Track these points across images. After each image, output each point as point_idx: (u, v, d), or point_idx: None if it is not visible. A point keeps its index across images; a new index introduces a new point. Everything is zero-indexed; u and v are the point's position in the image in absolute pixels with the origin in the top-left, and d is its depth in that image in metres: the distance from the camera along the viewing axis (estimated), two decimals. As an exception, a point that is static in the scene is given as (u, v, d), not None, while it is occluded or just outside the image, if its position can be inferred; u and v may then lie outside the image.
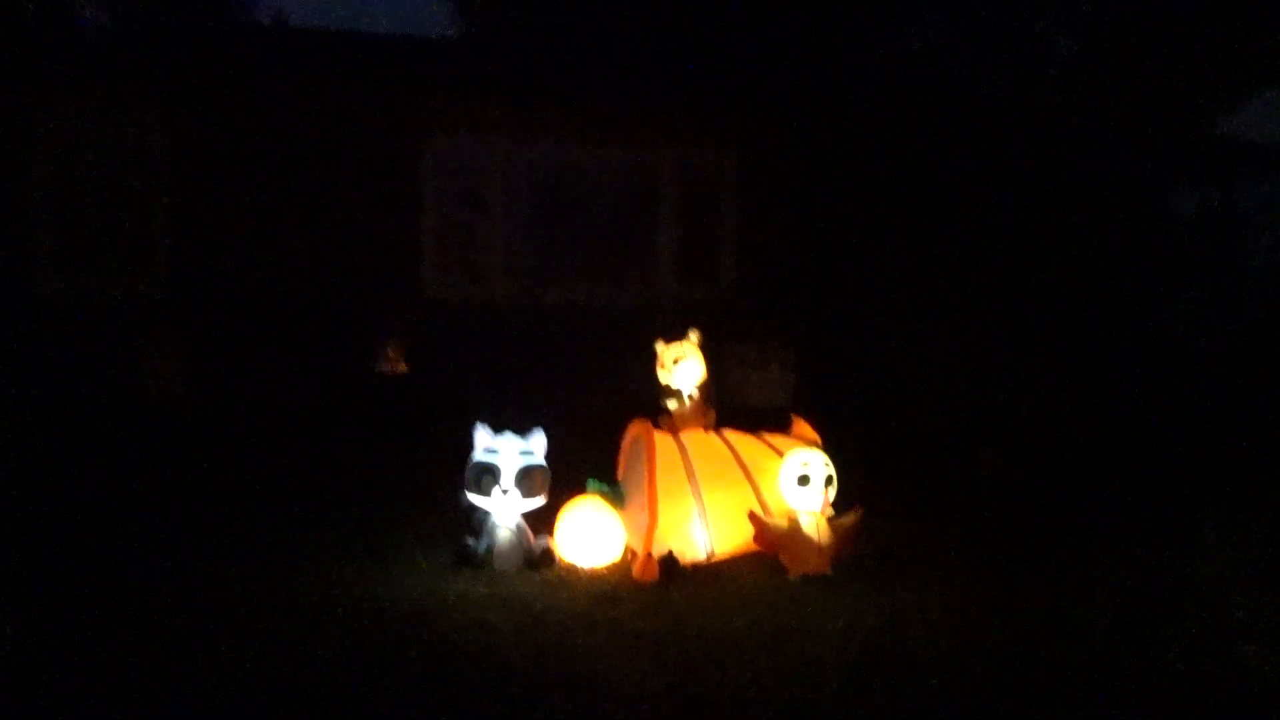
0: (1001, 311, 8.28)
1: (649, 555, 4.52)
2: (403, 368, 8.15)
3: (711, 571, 4.70)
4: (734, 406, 8.11)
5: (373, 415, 7.51)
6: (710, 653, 3.73)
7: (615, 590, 4.38)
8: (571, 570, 4.60)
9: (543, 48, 14.88)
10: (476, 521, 4.69)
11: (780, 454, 4.83)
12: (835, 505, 4.73)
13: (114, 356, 8.13)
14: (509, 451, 4.56)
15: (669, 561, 4.55)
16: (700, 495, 4.71)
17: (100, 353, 8.13)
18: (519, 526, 4.62)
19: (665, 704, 3.29)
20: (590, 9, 15.90)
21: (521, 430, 4.67)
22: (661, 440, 4.83)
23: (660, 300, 9.63)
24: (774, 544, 4.68)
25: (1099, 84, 11.36)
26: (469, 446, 4.64)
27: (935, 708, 3.35)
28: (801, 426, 5.15)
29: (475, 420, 4.67)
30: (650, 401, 5.19)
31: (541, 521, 4.78)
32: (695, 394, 4.99)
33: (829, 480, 4.65)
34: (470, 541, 4.63)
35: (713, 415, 5.04)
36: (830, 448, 4.98)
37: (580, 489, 4.86)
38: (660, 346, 5.10)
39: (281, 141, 9.22)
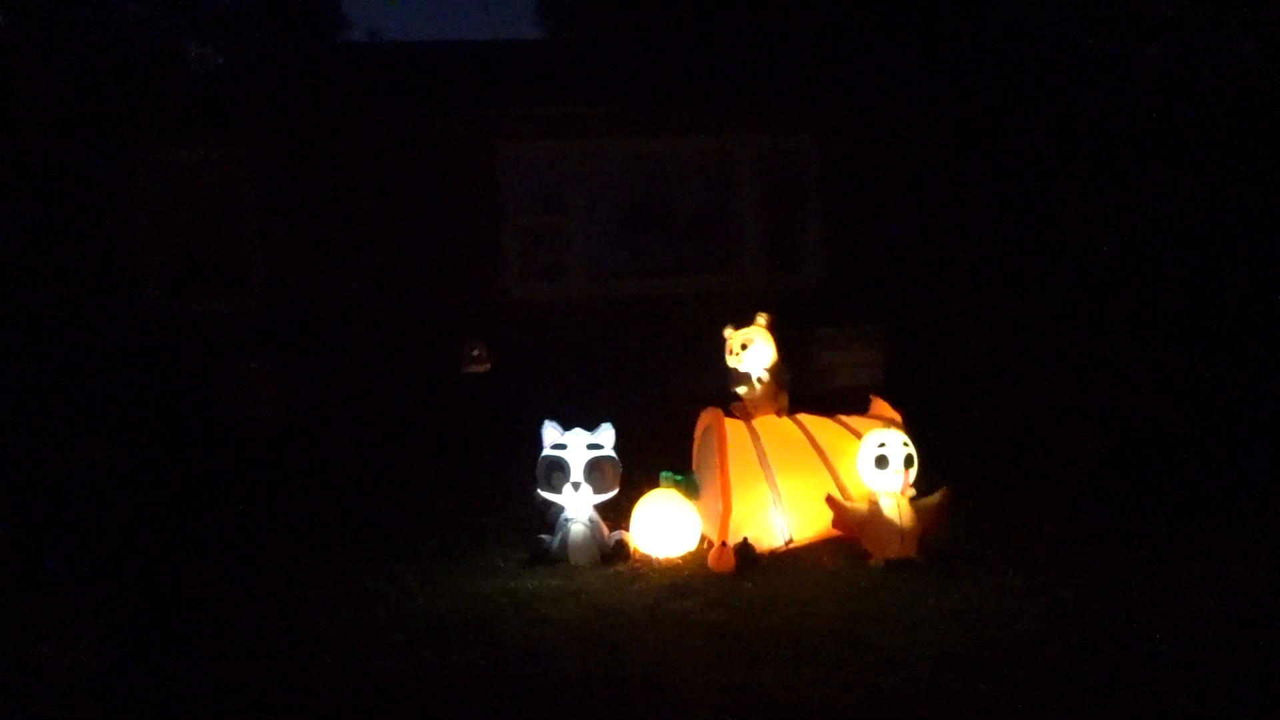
0: (1105, 292, 7.82)
1: (724, 544, 4.43)
2: (486, 367, 8.25)
3: (790, 558, 4.58)
4: (821, 390, 7.97)
5: (457, 416, 7.62)
6: (781, 645, 3.63)
7: (688, 582, 4.31)
8: (646, 562, 4.55)
9: (622, 43, 14.85)
10: (551, 517, 4.69)
11: (858, 436, 4.68)
12: (923, 487, 4.54)
13: (214, 366, 8.47)
14: (577, 446, 4.54)
15: (744, 550, 4.45)
16: (775, 481, 4.59)
17: (202, 363, 8.49)
18: (592, 520, 4.59)
19: (729, 700, 3.20)
20: (657, 5, 15.80)
21: (590, 425, 4.64)
22: (733, 427, 4.73)
23: (746, 288, 9.47)
24: (854, 528, 4.53)
25: (1201, 58, 10.63)
26: (540, 443, 4.64)
27: (1023, 707, 3.13)
28: (880, 407, 4.97)
29: (545, 418, 4.67)
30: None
31: (621, 515, 4.75)
32: (765, 378, 4.86)
33: (909, 460, 4.47)
34: (545, 538, 4.63)
35: (785, 399, 4.91)
36: (918, 429, 4.79)
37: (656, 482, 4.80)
38: (728, 332, 4.99)
39: (369, 154, 9.43)
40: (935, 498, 4.57)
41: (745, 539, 4.48)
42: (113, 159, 9.18)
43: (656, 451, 5.36)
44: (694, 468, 4.95)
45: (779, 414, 4.87)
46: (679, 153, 9.95)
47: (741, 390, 4.88)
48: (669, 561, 4.54)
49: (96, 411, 7.94)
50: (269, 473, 6.98)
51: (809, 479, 4.63)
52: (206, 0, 26.46)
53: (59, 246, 9.01)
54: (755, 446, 4.65)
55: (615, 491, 4.62)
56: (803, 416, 4.90)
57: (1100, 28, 11.07)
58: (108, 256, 9.13)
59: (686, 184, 10.10)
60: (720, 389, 5.05)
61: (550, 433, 4.59)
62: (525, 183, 9.73)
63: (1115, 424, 6.84)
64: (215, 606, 4.25)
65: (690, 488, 4.72)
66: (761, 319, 4.97)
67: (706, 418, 4.84)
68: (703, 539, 4.66)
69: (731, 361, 4.92)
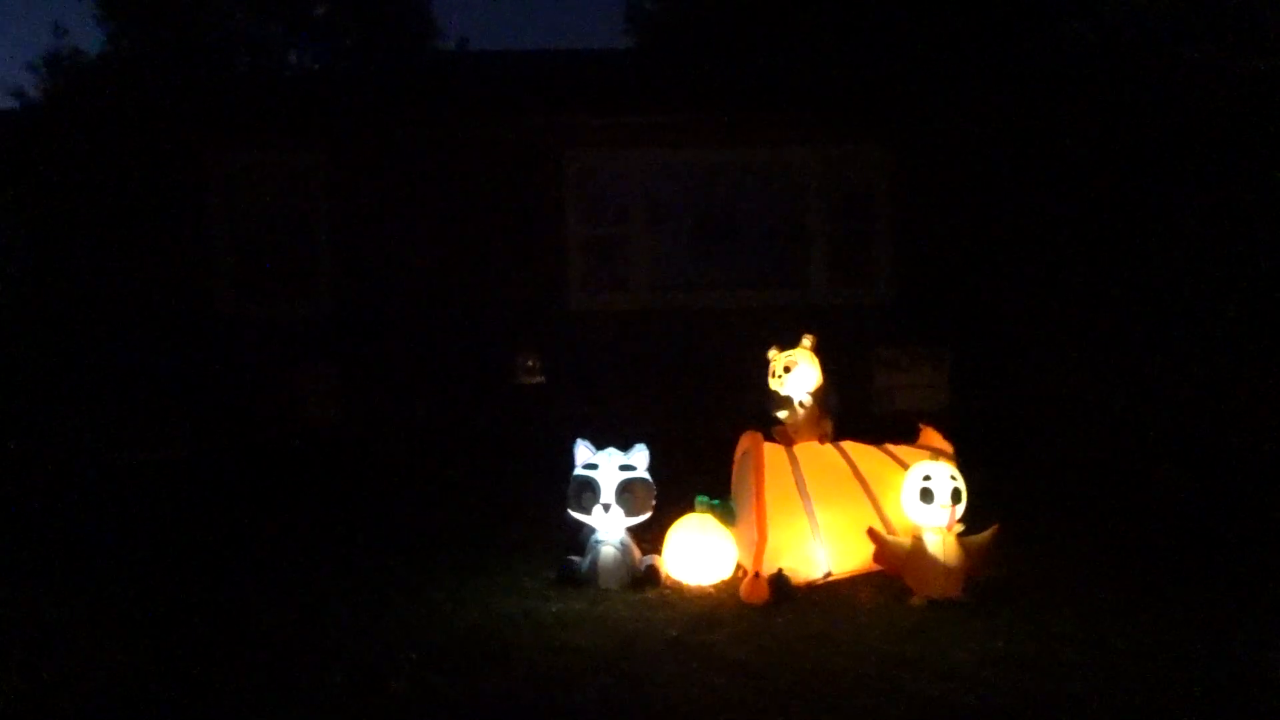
0: (1185, 320, 7.38)
1: (757, 574, 4.25)
2: (540, 379, 8.20)
3: (827, 592, 4.37)
4: (881, 412, 7.71)
5: (510, 427, 7.58)
6: (808, 688, 3.43)
7: (717, 612, 4.14)
8: (677, 589, 4.39)
9: (691, 54, 14.74)
10: (582, 538, 4.57)
11: (904, 466, 4.45)
12: (974, 523, 4.30)
13: (281, 371, 8.60)
14: (609, 466, 4.41)
15: (779, 581, 4.26)
16: (813, 510, 4.39)
17: (269, 367, 8.64)
18: (623, 543, 4.46)
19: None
20: (739, 13, 15.63)
21: (626, 444, 4.52)
22: (772, 452, 4.55)
23: (810, 305, 9.24)
24: (896, 564, 4.30)
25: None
26: (571, 462, 4.54)
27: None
28: (930, 436, 4.74)
29: (594, 432, 4.57)
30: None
31: (657, 538, 4.62)
32: (808, 402, 4.67)
33: (956, 495, 4.23)
34: (574, 559, 4.52)
35: (829, 425, 4.71)
36: (979, 458, 4.54)
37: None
38: (772, 353, 4.81)
39: (437, 162, 9.49)
40: (985, 535, 4.32)
41: (780, 570, 4.30)
42: (189, 163, 9.43)
43: (704, 472, 5.23)
44: (732, 493, 4.79)
45: (821, 440, 4.68)
46: (745, 164, 9.77)
47: (782, 414, 4.70)
48: (701, 590, 4.38)
49: (164, 413, 8.13)
50: (326, 477, 7.07)
51: (850, 510, 4.42)
52: (307, 11, 27.35)
53: (134, 249, 9.28)
54: (794, 473, 4.46)
55: (648, 515, 4.49)
56: (846, 444, 4.69)
57: (1188, 35, 10.54)
58: (181, 260, 9.36)
59: (752, 196, 9.92)
60: (764, 409, 4.89)
61: (582, 452, 4.48)
62: (589, 193, 9.67)
63: (1192, 459, 6.44)
64: (245, 612, 4.25)
65: (726, 513, 4.56)
66: (807, 340, 4.79)
67: (745, 441, 4.67)
68: (738, 568, 4.49)
69: (774, 384, 4.75)
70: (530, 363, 8.15)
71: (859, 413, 7.37)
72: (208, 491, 6.69)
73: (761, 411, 4.97)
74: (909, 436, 4.91)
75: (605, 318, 9.26)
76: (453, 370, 8.36)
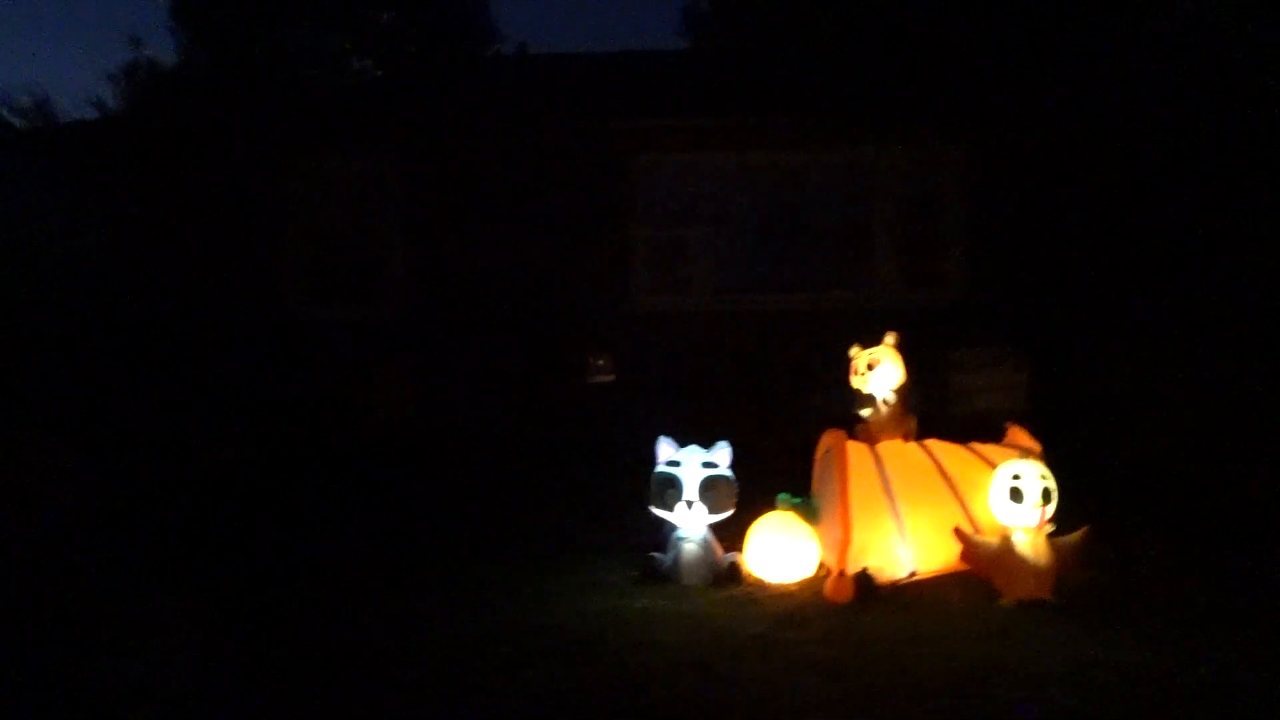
0: (1273, 315, 7.15)
1: (842, 573, 4.22)
2: (611, 377, 8.24)
3: (913, 592, 4.32)
4: (958, 414, 7.59)
5: (582, 425, 7.63)
6: (895, 690, 3.38)
7: (802, 611, 4.12)
8: (759, 587, 4.38)
9: (757, 54, 14.68)
10: (664, 536, 4.58)
11: (991, 465, 4.39)
12: (1064, 524, 4.22)
13: (355, 373, 8.76)
14: (692, 464, 4.42)
15: (863, 580, 4.23)
16: (898, 509, 4.35)
17: (343, 370, 8.80)
18: (706, 540, 4.46)
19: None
20: (798, 12, 15.54)
21: (707, 442, 4.52)
22: (855, 451, 4.51)
23: (881, 305, 9.13)
24: (984, 565, 4.24)
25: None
26: (654, 459, 4.55)
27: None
28: (1018, 435, 4.66)
29: (666, 431, 4.58)
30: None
31: (738, 536, 4.61)
32: (892, 399, 4.62)
33: (1046, 495, 4.15)
34: (657, 556, 4.53)
35: (913, 423, 4.66)
36: (1063, 459, 4.45)
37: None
38: (855, 350, 4.78)
39: (505, 165, 9.58)
40: (1076, 536, 4.24)
41: (865, 569, 4.26)
42: (263, 170, 9.65)
43: (778, 472, 5.20)
44: (814, 491, 4.76)
45: (905, 439, 4.63)
46: (811, 166, 9.68)
47: (866, 412, 4.66)
48: (783, 588, 4.37)
49: (243, 415, 8.33)
50: (402, 477, 7.18)
51: (936, 509, 4.37)
52: (370, 18, 27.86)
53: (210, 256, 9.51)
54: (878, 472, 4.42)
55: (730, 512, 4.48)
56: (931, 443, 4.63)
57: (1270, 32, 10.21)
58: (256, 264, 9.58)
59: (820, 196, 9.82)
60: (845, 410, 4.85)
61: (665, 449, 4.50)
62: (656, 195, 9.67)
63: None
64: (333, 610, 4.33)
65: (809, 512, 4.54)
66: (890, 338, 4.74)
67: (828, 439, 4.64)
68: (820, 566, 4.46)
69: (857, 382, 4.71)
70: (600, 361, 8.20)
71: (937, 414, 7.28)
72: (287, 492, 6.83)
73: (835, 411, 4.94)
74: (990, 437, 4.83)
75: (672, 318, 9.26)
76: (522, 370, 8.44)
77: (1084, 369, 7.58)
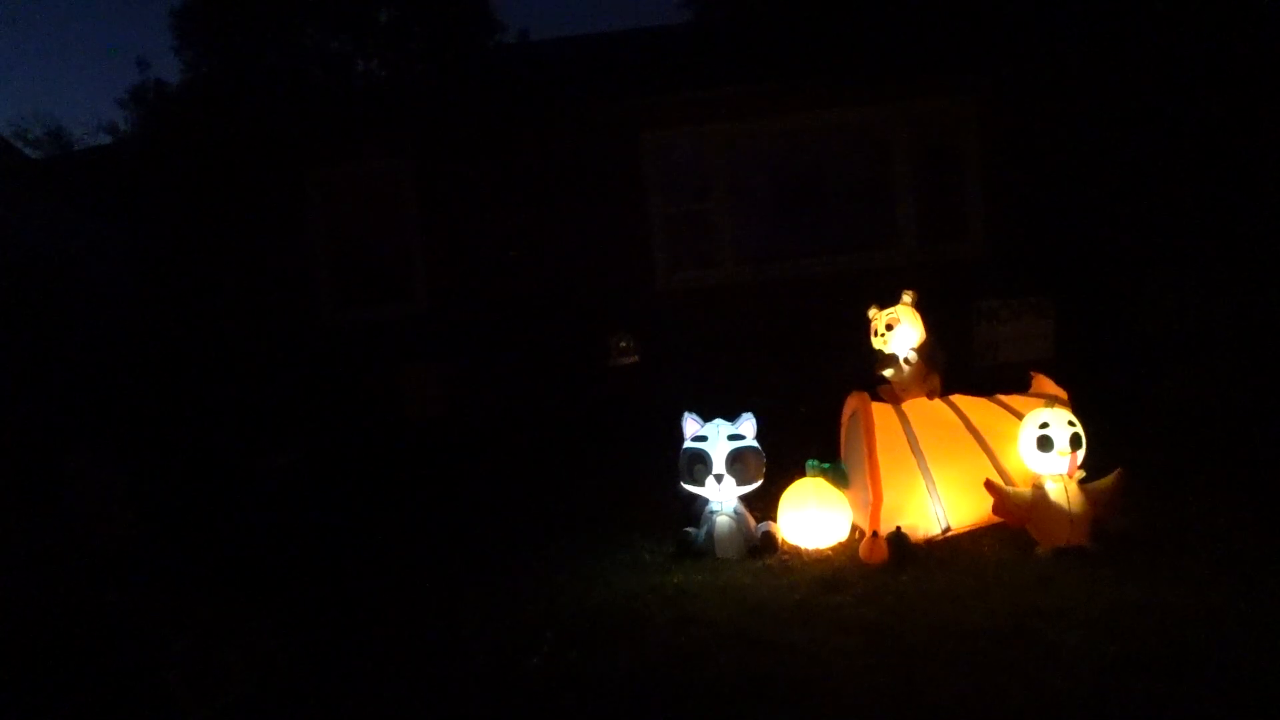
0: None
1: (875, 534, 4.24)
2: (635, 359, 8.26)
3: (948, 548, 4.32)
4: (986, 365, 7.55)
5: (609, 408, 7.68)
6: (941, 644, 3.40)
7: (839, 575, 4.13)
8: (795, 554, 4.41)
9: (763, 20, 14.53)
10: (696, 510, 4.62)
11: (1019, 416, 4.38)
12: (1095, 469, 4.20)
13: (385, 371, 8.87)
14: (718, 437, 4.45)
15: (898, 540, 4.24)
16: (927, 467, 4.35)
17: (372, 368, 8.92)
18: (737, 512, 4.49)
19: (886, 704, 3.03)
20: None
21: (732, 415, 4.54)
22: (881, 412, 4.51)
23: (904, 263, 9.07)
24: (1018, 515, 4.24)
25: None
26: (681, 436, 4.58)
27: None
28: (1043, 383, 4.63)
29: (693, 407, 4.61)
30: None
31: (769, 505, 4.64)
32: (913, 358, 4.62)
33: (1076, 441, 4.14)
34: (691, 531, 4.57)
35: (937, 380, 4.65)
36: (1093, 405, 4.42)
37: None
38: (873, 312, 4.77)
39: (518, 155, 9.61)
40: (1109, 480, 4.21)
41: (899, 528, 4.28)
42: (282, 182, 9.76)
43: (808, 438, 5.21)
44: (842, 455, 4.77)
45: (930, 396, 4.63)
46: (827, 126, 9.63)
47: (888, 373, 4.67)
48: (819, 553, 4.39)
49: (275, 416, 8.47)
50: (436, 471, 7.27)
51: (966, 463, 4.37)
52: (371, 18, 27.88)
53: (238, 266, 9.65)
54: (905, 431, 4.43)
55: (759, 482, 4.51)
56: (956, 398, 4.63)
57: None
58: (282, 269, 9.70)
59: (836, 158, 9.78)
60: (867, 372, 4.85)
61: (690, 425, 4.53)
62: (669, 171, 9.66)
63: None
64: (377, 602, 4.43)
65: (838, 476, 4.55)
66: (907, 296, 4.73)
67: (853, 402, 4.65)
68: (854, 529, 4.48)
69: (877, 343, 4.71)
70: (623, 344, 8.22)
71: (964, 367, 7.23)
72: (330, 491, 6.95)
73: (861, 374, 4.93)
74: (1018, 387, 4.81)
75: (694, 293, 9.27)
76: (551, 356, 8.50)
77: (1112, 312, 7.49)
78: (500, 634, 3.89)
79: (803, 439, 5.27)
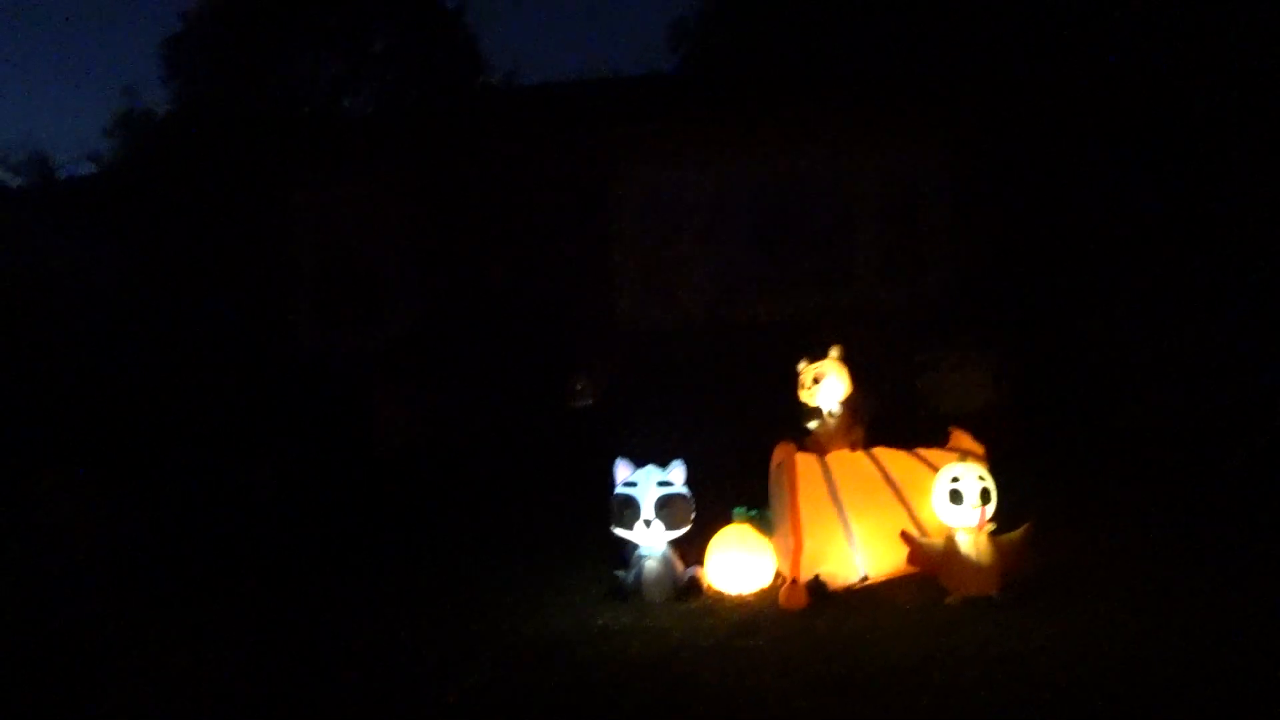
0: (1236, 312, 7.31)
1: (795, 581, 4.42)
2: (590, 401, 8.46)
3: (865, 595, 4.51)
4: (929, 413, 7.78)
5: (565, 449, 7.86)
6: (845, 685, 3.59)
7: (758, 618, 4.32)
8: (719, 598, 4.59)
9: (735, 66, 14.91)
10: (627, 553, 4.79)
11: (935, 469, 4.58)
12: (1006, 522, 4.41)
13: (358, 395, 9.06)
14: (648, 483, 4.63)
15: (816, 586, 4.43)
16: (846, 517, 4.55)
17: (349, 394, 9.10)
18: (665, 556, 4.67)
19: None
20: (775, 21, 15.78)
21: (662, 461, 4.73)
22: (804, 462, 4.71)
23: (861, 309, 9.30)
24: (930, 565, 4.44)
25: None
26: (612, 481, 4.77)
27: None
28: (960, 438, 4.84)
29: (644, 450, 4.80)
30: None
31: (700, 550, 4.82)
32: (838, 411, 4.83)
33: (985, 495, 4.34)
34: (620, 573, 4.74)
35: (859, 433, 4.86)
36: (1027, 458, 4.63)
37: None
38: (802, 365, 4.99)
39: (497, 191, 9.86)
40: (1018, 533, 4.42)
41: (817, 575, 4.46)
42: (265, 210, 9.97)
43: (743, 484, 5.41)
44: (770, 503, 4.96)
45: (853, 448, 4.83)
46: (789, 175, 9.91)
47: (814, 424, 4.87)
48: (742, 598, 4.57)
49: (252, 439, 8.63)
50: (396, 497, 7.48)
51: (883, 514, 4.57)
52: (363, 49, 28.21)
53: (218, 285, 9.83)
54: (827, 481, 4.62)
55: (687, 528, 4.69)
56: (878, 450, 4.83)
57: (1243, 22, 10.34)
58: (263, 294, 9.90)
59: (801, 207, 10.05)
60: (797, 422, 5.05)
61: (622, 470, 4.71)
62: (636, 215, 9.92)
63: (1256, 442, 6.37)
64: (327, 620, 4.66)
65: (764, 523, 4.74)
66: (835, 351, 4.95)
67: (779, 453, 4.85)
68: (777, 575, 4.66)
69: (804, 396, 4.92)
70: (580, 386, 8.43)
71: (909, 413, 7.46)
72: (293, 513, 7.15)
73: (789, 423, 5.14)
74: (945, 438, 5.01)
75: (656, 336, 9.47)
76: (516, 393, 8.68)
77: (1052, 367, 7.76)
78: (426, 666, 4.07)
79: (738, 486, 5.48)
